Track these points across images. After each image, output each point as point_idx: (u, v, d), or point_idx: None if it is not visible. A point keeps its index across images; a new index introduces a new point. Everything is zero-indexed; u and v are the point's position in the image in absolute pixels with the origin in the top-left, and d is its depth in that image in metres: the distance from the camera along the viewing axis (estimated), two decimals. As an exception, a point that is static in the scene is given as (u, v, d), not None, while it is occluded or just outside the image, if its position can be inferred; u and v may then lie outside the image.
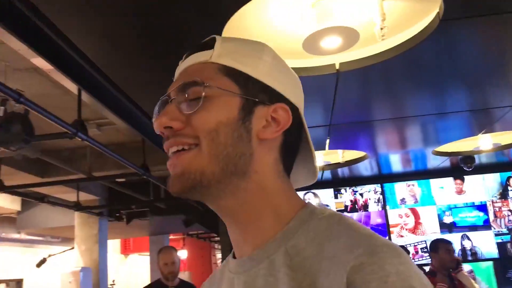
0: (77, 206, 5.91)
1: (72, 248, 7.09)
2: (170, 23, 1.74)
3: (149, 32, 1.85)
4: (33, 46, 2.15)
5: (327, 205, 5.39)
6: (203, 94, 0.69)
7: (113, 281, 10.74)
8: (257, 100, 0.73)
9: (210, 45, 0.75)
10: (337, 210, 5.39)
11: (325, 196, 5.46)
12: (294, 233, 0.70)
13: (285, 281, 0.65)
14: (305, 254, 0.66)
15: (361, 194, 5.53)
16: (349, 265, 0.58)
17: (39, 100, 2.77)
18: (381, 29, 1.78)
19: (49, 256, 7.06)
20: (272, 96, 0.74)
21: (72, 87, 2.80)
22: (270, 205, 0.73)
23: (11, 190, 4.69)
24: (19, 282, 8.99)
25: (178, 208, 6.76)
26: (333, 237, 0.65)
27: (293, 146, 0.79)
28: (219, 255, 11.82)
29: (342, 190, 5.51)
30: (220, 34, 1.75)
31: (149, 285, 4.03)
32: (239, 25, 1.77)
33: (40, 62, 2.50)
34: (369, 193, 5.52)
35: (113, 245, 11.80)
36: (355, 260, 0.59)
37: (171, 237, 11.49)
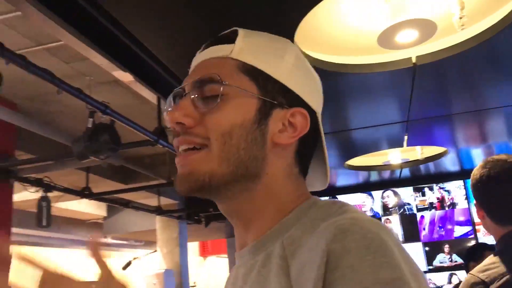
0: (158, 211, 6.14)
1: (155, 251, 7.37)
2: (246, 27, 1.77)
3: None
4: (116, 60, 2.26)
5: (409, 204, 5.21)
6: (221, 93, 0.67)
7: (194, 283, 11.04)
8: (275, 102, 0.70)
9: (231, 39, 0.72)
10: (420, 208, 5.19)
11: (405, 194, 5.28)
12: (292, 225, 0.67)
13: (274, 271, 0.63)
14: (300, 242, 0.63)
15: (448, 191, 5.29)
16: (330, 235, 0.56)
17: (121, 111, 2.92)
18: (460, 18, 1.71)
19: (134, 259, 7.39)
20: (291, 99, 0.71)
21: (152, 96, 2.93)
22: (274, 204, 0.71)
23: (98, 197, 4.98)
24: (107, 284, 9.46)
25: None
26: (329, 218, 0.62)
27: (309, 152, 0.76)
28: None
29: (426, 188, 5.28)
30: (293, 35, 1.76)
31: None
32: (312, 24, 1.78)
33: (121, 74, 2.63)
34: (458, 189, 5.25)
35: (192, 247, 12.14)
36: (336, 230, 0.56)
37: (248, 239, 11.61)
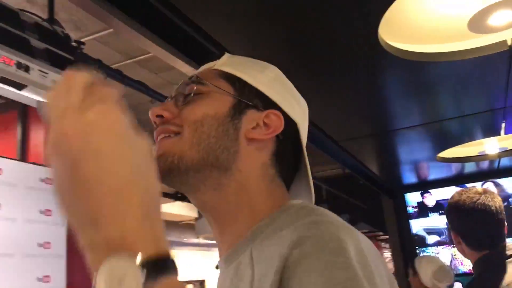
0: (245, 211, 6.26)
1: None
2: (330, 20, 1.76)
3: (305, 45, 1.89)
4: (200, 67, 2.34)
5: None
6: (195, 88, 0.73)
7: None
8: (250, 103, 0.73)
9: (218, 58, 0.80)
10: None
11: (509, 185, 4.84)
12: (263, 231, 0.66)
13: (244, 280, 0.62)
14: (265, 250, 0.62)
15: None
16: (288, 241, 0.55)
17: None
18: (562, -8, 1.59)
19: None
20: (268, 104, 0.74)
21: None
22: (249, 206, 0.70)
23: (190, 199, 5.18)
24: (202, 283, 9.81)
25: (342, 207, 6.76)
26: (292, 225, 0.61)
27: (288, 158, 0.77)
28: (386, 254, 11.51)
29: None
30: (377, 26, 1.73)
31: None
32: (398, 13, 1.73)
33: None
34: None
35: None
36: (294, 235, 0.56)
37: (337, 237, 11.50)
